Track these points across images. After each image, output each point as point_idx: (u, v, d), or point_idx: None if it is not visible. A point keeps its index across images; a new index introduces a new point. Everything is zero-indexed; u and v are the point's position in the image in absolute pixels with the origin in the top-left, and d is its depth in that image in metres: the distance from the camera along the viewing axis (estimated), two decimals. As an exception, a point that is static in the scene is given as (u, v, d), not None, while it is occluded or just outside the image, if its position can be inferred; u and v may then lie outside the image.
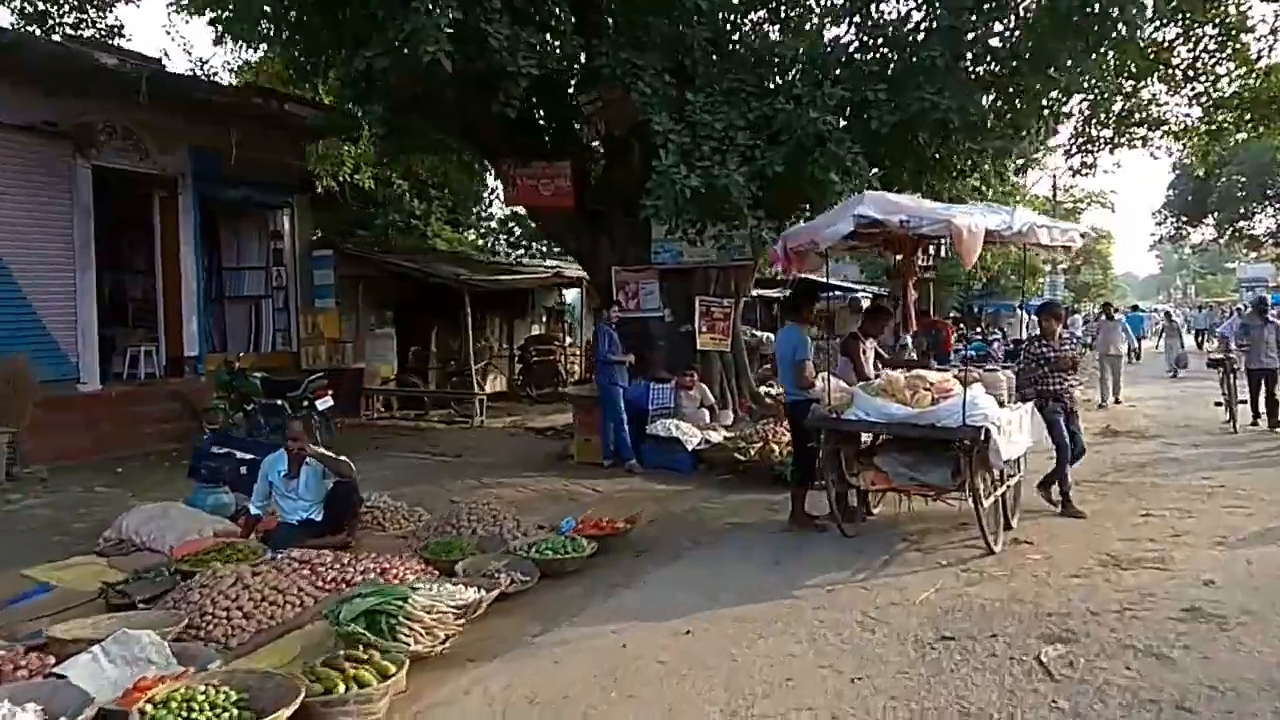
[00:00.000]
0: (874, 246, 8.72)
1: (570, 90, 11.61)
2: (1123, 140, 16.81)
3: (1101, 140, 16.91)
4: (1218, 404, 12.98)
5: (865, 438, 7.11)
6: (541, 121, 12.68)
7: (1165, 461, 10.03)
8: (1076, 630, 4.81)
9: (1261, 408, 12.31)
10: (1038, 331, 7.84)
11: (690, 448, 9.80)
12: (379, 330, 15.75)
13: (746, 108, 9.56)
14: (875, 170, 10.59)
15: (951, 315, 34.45)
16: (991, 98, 11.13)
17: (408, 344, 15.94)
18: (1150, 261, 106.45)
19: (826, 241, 6.80)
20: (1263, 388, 12.28)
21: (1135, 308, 34.14)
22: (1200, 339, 32.66)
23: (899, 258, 9.68)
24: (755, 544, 6.87)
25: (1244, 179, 32.35)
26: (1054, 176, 38.54)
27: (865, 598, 5.48)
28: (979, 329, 29.58)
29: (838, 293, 21.85)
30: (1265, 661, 4.33)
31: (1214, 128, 15.79)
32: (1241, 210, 34.48)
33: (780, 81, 10.29)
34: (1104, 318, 17.62)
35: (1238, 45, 13.81)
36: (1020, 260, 38.37)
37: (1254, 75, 14.30)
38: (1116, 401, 15.83)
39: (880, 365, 7.69)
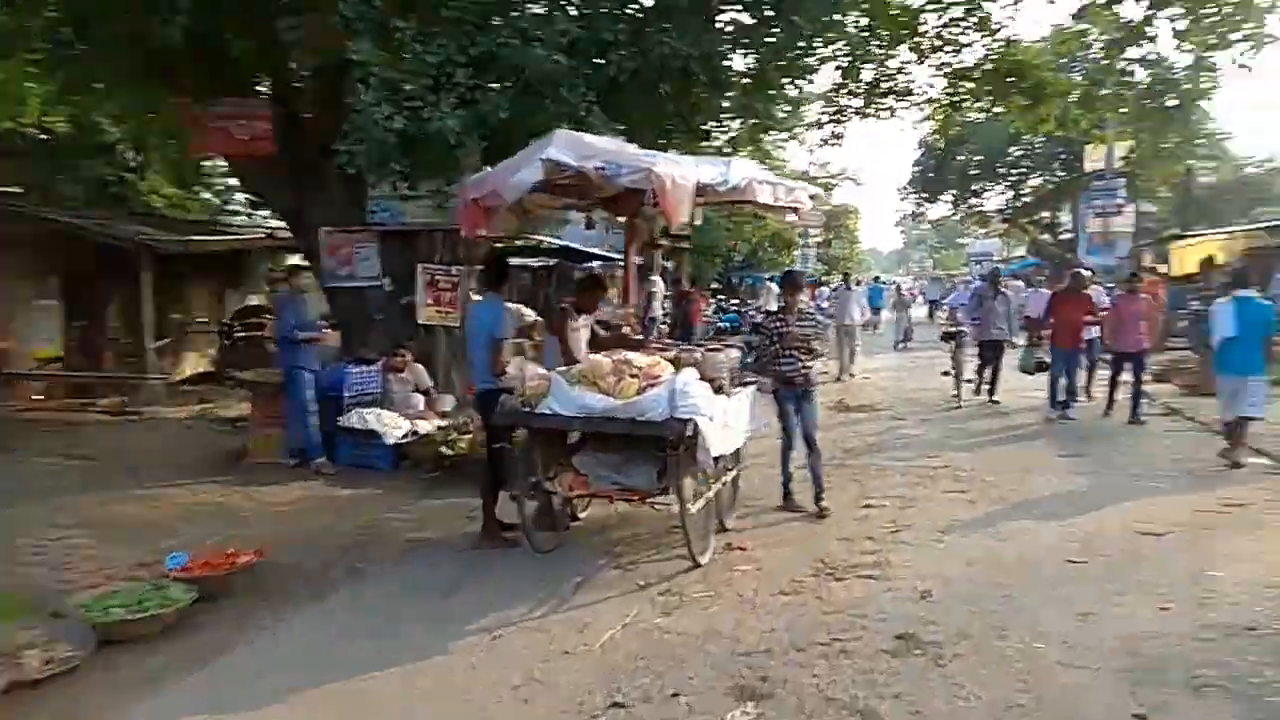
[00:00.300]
0: (589, 204, 7.56)
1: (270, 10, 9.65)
2: (871, 110, 16.92)
3: (851, 110, 16.96)
4: (945, 374, 13.09)
5: (574, 434, 6.02)
6: (237, 51, 10.56)
7: (894, 442, 9.80)
8: (774, 677, 3.94)
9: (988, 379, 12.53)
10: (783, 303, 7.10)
11: (390, 442, 8.35)
12: (38, 302, 12.94)
13: (469, 41, 8.11)
14: (617, 126, 9.53)
15: (712, 287, 34.89)
16: (740, 53, 10.42)
17: (81, 319, 13.22)
18: (895, 237, 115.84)
19: (512, 193, 5.59)
20: (993, 357, 12.40)
21: (877, 279, 36.05)
22: (933, 310, 35.00)
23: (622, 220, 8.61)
24: (432, 570, 5.61)
25: (979, 157, 34.75)
26: (810, 150, 40.11)
27: (537, 645, 4.37)
28: (735, 301, 29.88)
29: (597, 263, 20.85)
30: (979, 714, 3.62)
31: (955, 99, 16.10)
32: (974, 188, 37.16)
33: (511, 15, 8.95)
34: (842, 286, 17.72)
35: (981, 15, 13.97)
36: (777, 232, 39.87)
37: (994, 46, 14.59)
38: (851, 375, 15.82)
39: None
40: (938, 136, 17.01)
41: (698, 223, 8.30)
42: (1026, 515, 6.57)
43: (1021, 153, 34.76)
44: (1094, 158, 20.92)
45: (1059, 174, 34.78)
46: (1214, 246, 26.39)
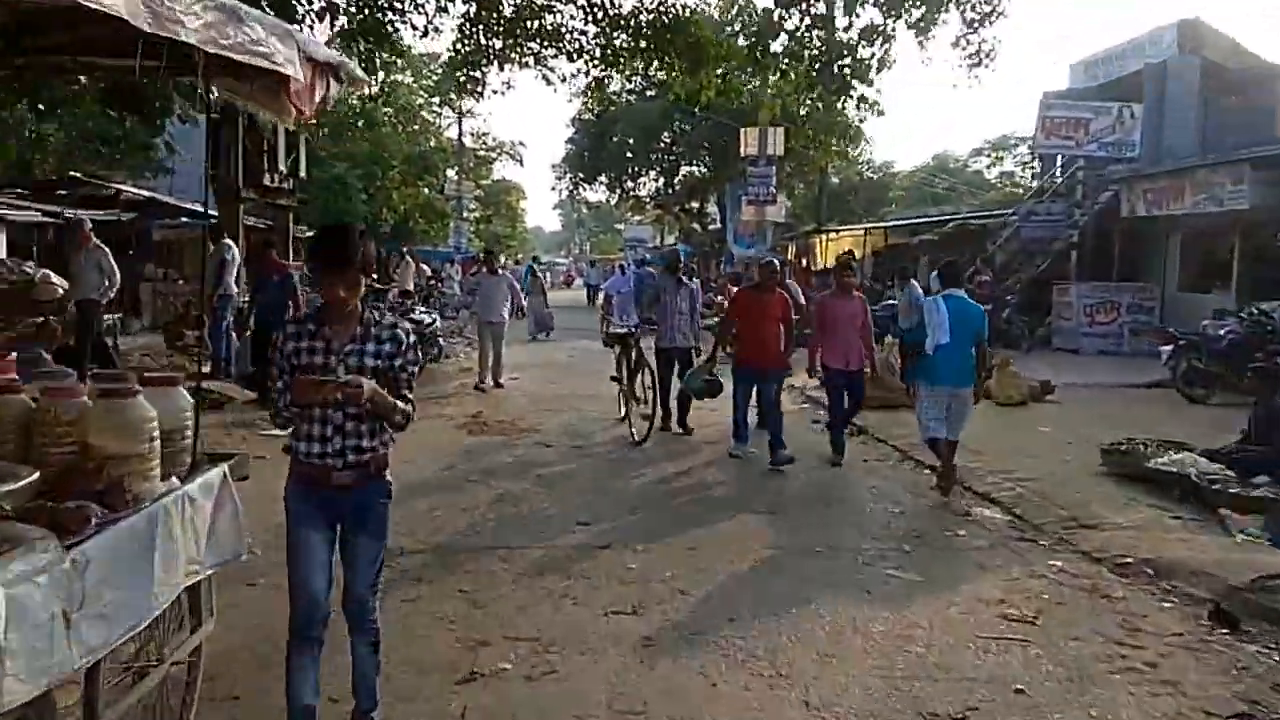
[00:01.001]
0: None
1: None
2: (515, 55, 13.83)
3: (492, 52, 13.75)
4: (614, 379, 9.81)
5: None
6: None
7: (532, 496, 6.70)
8: None
9: (673, 403, 9.20)
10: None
11: None
12: None
13: None
14: None
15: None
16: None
17: None
18: (555, 219, 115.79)
19: None
20: (674, 372, 9.17)
21: (535, 259, 33.68)
22: (590, 296, 33.35)
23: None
24: None
25: (632, 140, 33.45)
26: (458, 112, 36.38)
27: None
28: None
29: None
30: None
31: (610, 54, 13.47)
32: (629, 170, 36.03)
33: None
34: (484, 271, 12.99)
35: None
36: (429, 202, 35.84)
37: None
38: (498, 384, 12.13)
39: None
40: (593, 104, 14.35)
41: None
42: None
43: (672, 139, 34.10)
44: (749, 142, 19.75)
45: (708, 162, 34.69)
46: (851, 241, 27.32)
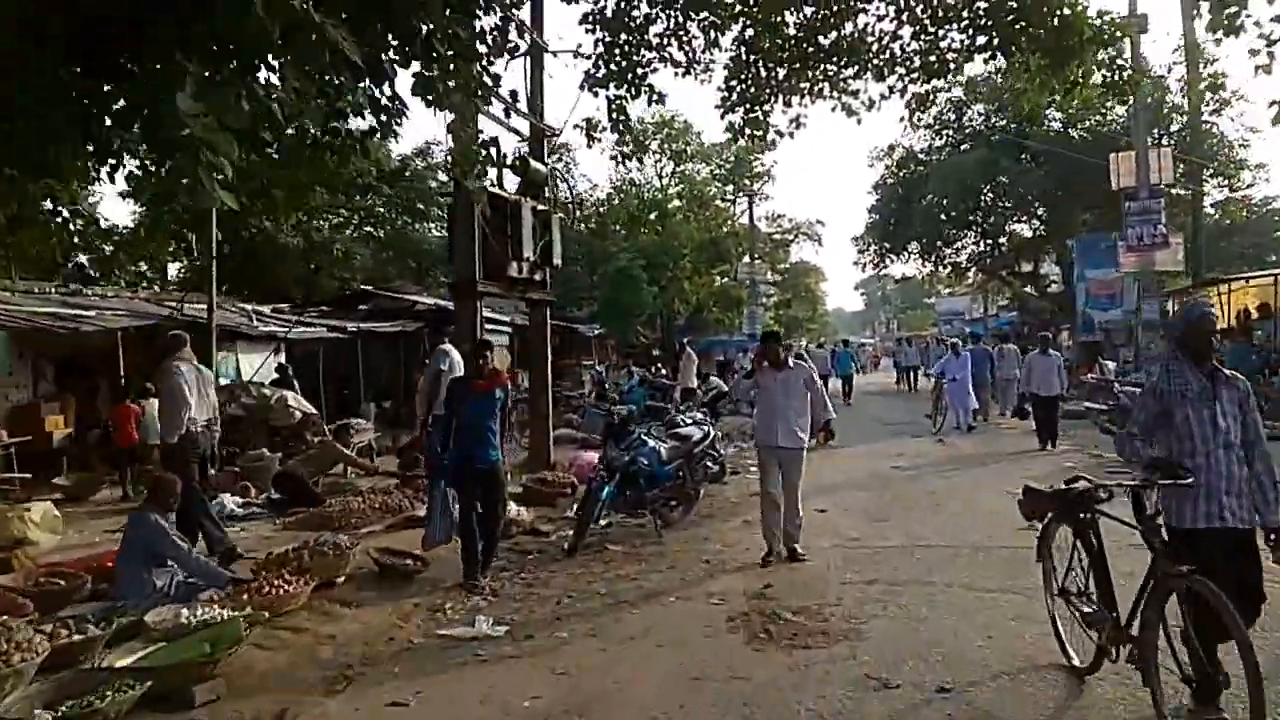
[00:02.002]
0: None
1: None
2: (803, 82, 10.52)
3: (774, 83, 10.59)
4: (1031, 526, 5.55)
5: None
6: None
7: None
8: None
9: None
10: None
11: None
12: None
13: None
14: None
15: (650, 352, 28.38)
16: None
17: None
18: (856, 299, 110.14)
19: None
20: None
21: (845, 342, 29.78)
22: (906, 378, 28.50)
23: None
24: None
25: (946, 199, 28.71)
26: (749, 193, 33.84)
27: None
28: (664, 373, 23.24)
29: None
30: None
31: (933, 58, 9.72)
32: (943, 235, 31.15)
33: None
34: (764, 365, 8.74)
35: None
36: (724, 290, 33.37)
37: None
38: (794, 555, 7.09)
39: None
40: (914, 123, 10.51)
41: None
42: None
43: (994, 194, 28.82)
44: (1124, 170, 14.67)
45: (1041, 215, 28.87)
46: (1258, 293, 20.46)
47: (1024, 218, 29.53)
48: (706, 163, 36.05)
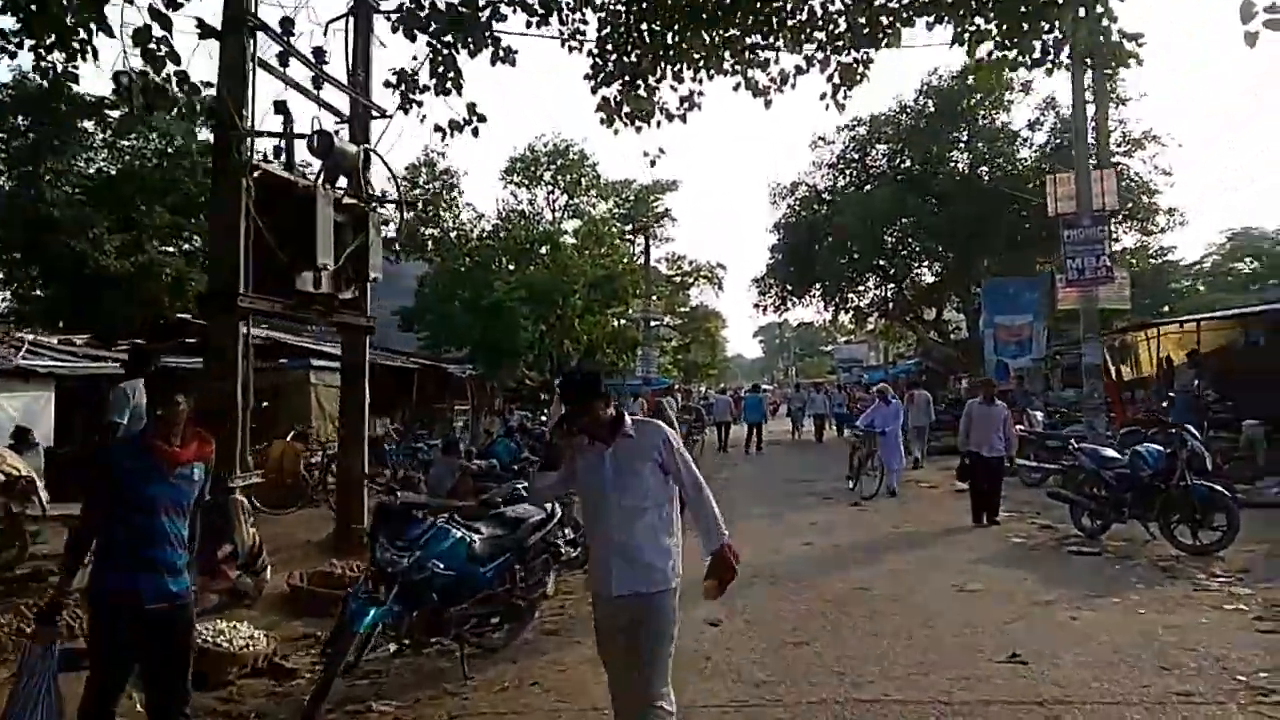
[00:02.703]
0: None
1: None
2: (701, 53, 7.97)
3: (661, 50, 8.01)
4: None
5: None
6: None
7: None
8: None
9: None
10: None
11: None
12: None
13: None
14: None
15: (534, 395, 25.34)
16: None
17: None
18: (756, 345, 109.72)
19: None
20: None
21: (756, 387, 27.53)
22: (816, 426, 26.30)
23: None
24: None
25: (851, 241, 26.88)
26: (646, 234, 31.48)
27: None
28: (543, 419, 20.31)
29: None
30: None
31: (867, 19, 7.33)
32: (848, 277, 29.39)
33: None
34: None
35: None
36: (619, 331, 30.67)
37: None
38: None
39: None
40: (842, 100, 7.91)
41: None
42: None
43: (901, 235, 27.21)
44: (1062, 194, 12.71)
45: (946, 259, 27.39)
46: (1176, 341, 19.09)
47: (929, 261, 28.04)
48: (604, 199, 33.64)
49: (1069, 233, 12.37)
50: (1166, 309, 29.32)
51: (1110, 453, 9.29)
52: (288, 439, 11.52)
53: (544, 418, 19.20)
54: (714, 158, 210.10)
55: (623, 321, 30.84)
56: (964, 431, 10.44)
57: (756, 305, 32.06)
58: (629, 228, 38.27)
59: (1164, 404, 14.69)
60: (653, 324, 26.55)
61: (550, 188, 31.35)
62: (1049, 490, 10.27)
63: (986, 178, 25.44)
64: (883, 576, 7.66)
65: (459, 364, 24.78)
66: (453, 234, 29.57)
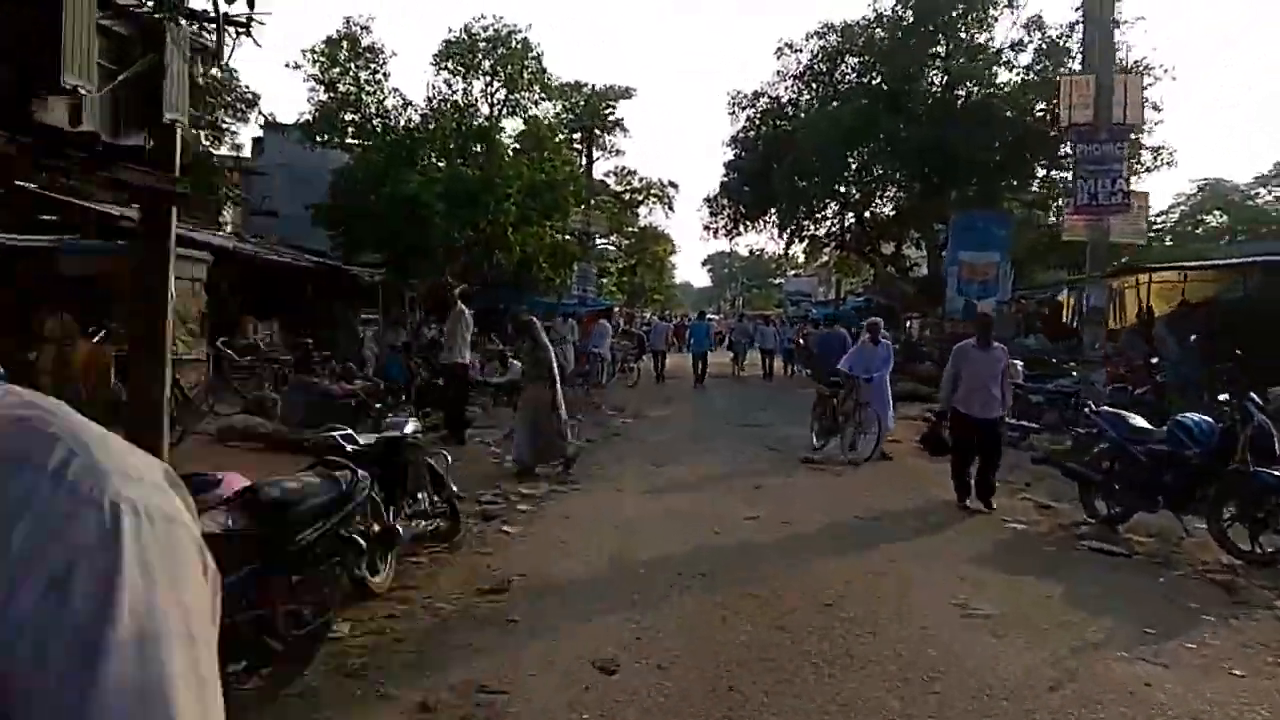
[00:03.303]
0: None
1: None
2: None
3: None
4: None
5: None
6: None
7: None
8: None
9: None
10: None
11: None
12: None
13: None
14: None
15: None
16: None
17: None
18: (704, 275, 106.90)
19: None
20: None
21: (702, 314, 25.33)
22: (762, 362, 24.24)
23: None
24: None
25: (815, 158, 24.38)
26: (589, 138, 28.54)
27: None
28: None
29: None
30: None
31: None
32: (808, 203, 27.00)
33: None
34: None
35: None
36: (556, 245, 27.95)
37: None
38: None
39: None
40: None
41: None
42: None
43: (868, 155, 24.74)
44: (1078, 100, 10.43)
45: (914, 186, 25.13)
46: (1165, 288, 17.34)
47: (893, 189, 25.74)
48: (550, 99, 30.29)
49: (1082, 148, 10.19)
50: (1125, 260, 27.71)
51: (1140, 422, 7.23)
52: (94, 340, 8.89)
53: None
54: (673, 68, 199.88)
55: (565, 236, 28.07)
56: (948, 382, 8.18)
57: (707, 227, 29.52)
58: (577, 136, 35.15)
59: (1151, 360, 12.89)
60: (594, 239, 23.91)
61: (488, 79, 28.02)
62: (1057, 463, 8.15)
63: (962, 99, 23.13)
64: (855, 584, 5.52)
65: (373, 268, 21.96)
66: (375, 122, 26.23)
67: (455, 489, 6.12)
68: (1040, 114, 22.89)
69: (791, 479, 9.22)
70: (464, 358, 10.23)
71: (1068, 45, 22.90)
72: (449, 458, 6.59)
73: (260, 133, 32.40)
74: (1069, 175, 23.06)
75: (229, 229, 31.46)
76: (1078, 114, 10.39)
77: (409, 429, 5.60)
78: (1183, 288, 15.53)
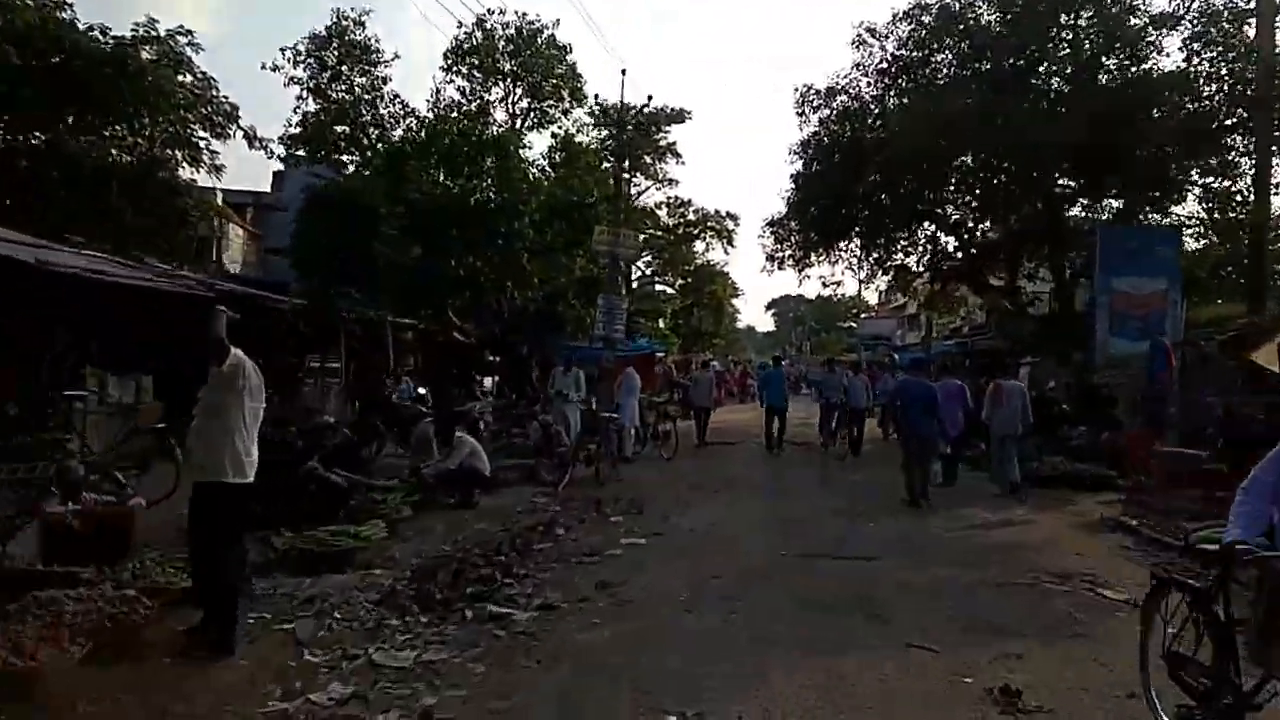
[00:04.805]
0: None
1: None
2: None
3: None
4: None
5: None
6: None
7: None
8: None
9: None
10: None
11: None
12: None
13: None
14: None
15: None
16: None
17: None
18: (768, 319, 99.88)
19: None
20: None
21: (776, 359, 19.56)
22: (833, 412, 18.05)
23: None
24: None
25: (908, 176, 18.57)
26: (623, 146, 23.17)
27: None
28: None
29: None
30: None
31: None
32: (891, 226, 21.17)
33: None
34: None
35: None
36: (585, 275, 21.95)
37: None
38: None
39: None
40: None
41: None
42: None
43: (988, 153, 18.81)
44: None
45: (1057, 190, 19.05)
46: None
47: (1017, 197, 19.59)
48: (580, 104, 25.20)
49: None
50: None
51: None
52: None
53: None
54: (733, 98, 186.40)
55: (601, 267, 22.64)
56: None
57: (771, 257, 23.79)
58: (614, 160, 29.93)
59: None
60: (622, 259, 18.45)
61: (509, 83, 23.13)
62: None
63: (1113, 78, 17.22)
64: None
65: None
66: (371, 132, 21.49)
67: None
68: (1206, 101, 16.92)
69: None
70: (242, 465, 4.63)
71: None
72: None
73: (281, 165, 28.35)
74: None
75: (234, 269, 27.18)
76: None
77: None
78: None
